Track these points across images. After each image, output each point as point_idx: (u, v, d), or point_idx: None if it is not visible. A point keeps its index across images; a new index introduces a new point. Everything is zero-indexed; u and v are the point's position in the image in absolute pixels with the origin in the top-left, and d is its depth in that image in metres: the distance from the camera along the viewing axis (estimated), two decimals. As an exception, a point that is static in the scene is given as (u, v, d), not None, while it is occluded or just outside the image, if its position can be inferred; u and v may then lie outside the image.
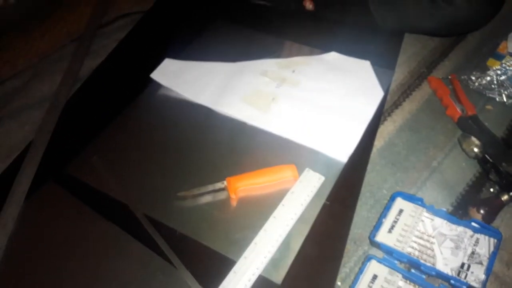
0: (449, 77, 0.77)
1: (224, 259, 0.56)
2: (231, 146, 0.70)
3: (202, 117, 0.75)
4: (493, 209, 0.58)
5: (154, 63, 0.84)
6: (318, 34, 0.88)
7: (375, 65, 0.80)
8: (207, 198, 0.63)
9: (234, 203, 0.63)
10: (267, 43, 0.87)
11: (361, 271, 0.53)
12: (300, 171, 0.64)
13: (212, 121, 0.74)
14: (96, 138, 0.73)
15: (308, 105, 0.74)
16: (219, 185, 0.63)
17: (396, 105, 0.74)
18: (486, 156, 0.63)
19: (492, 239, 0.55)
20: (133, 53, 0.90)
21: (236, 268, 0.55)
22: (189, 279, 0.55)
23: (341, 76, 0.79)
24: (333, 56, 0.83)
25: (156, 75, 0.82)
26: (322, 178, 0.64)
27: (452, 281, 0.51)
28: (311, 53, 0.84)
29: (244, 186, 0.63)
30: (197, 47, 0.88)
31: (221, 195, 0.63)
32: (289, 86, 0.78)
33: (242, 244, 0.57)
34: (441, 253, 0.54)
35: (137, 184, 0.66)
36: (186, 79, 0.81)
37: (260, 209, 0.61)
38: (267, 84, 0.78)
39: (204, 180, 0.64)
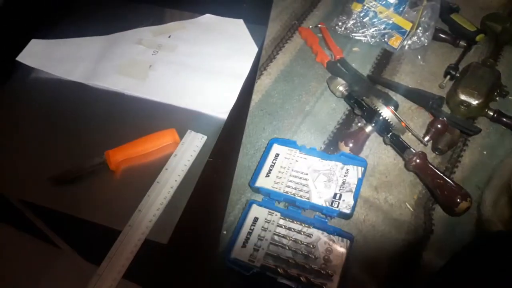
0: (318, 25, 0.81)
1: (109, 231, 0.56)
2: (109, 119, 0.68)
3: (76, 94, 0.72)
4: (359, 140, 0.63)
5: (21, 46, 0.79)
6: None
7: (248, 22, 0.82)
8: (86, 175, 0.61)
9: (116, 176, 0.62)
10: (141, 12, 0.85)
11: (243, 216, 0.56)
12: (183, 134, 0.65)
13: (87, 97, 0.71)
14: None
15: (186, 68, 0.74)
16: (97, 160, 0.61)
17: (271, 58, 0.76)
18: (351, 93, 0.67)
19: (359, 168, 0.60)
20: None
21: (121, 237, 0.55)
22: (75, 257, 0.54)
23: (217, 37, 0.79)
24: (207, 18, 0.83)
25: (23, 57, 0.77)
26: (205, 137, 0.65)
27: (324, 211, 0.55)
28: (186, 18, 0.83)
29: (124, 157, 0.62)
30: (67, 24, 0.84)
31: (102, 170, 0.62)
32: (166, 52, 0.77)
33: (126, 214, 0.57)
34: (315, 187, 0.58)
35: (11, 169, 0.63)
36: (56, 58, 0.76)
37: (144, 177, 0.60)
38: (143, 53, 0.77)
39: (83, 157, 0.62)
